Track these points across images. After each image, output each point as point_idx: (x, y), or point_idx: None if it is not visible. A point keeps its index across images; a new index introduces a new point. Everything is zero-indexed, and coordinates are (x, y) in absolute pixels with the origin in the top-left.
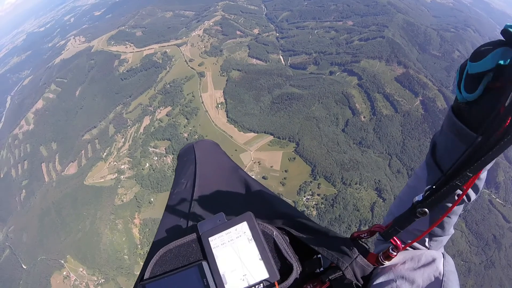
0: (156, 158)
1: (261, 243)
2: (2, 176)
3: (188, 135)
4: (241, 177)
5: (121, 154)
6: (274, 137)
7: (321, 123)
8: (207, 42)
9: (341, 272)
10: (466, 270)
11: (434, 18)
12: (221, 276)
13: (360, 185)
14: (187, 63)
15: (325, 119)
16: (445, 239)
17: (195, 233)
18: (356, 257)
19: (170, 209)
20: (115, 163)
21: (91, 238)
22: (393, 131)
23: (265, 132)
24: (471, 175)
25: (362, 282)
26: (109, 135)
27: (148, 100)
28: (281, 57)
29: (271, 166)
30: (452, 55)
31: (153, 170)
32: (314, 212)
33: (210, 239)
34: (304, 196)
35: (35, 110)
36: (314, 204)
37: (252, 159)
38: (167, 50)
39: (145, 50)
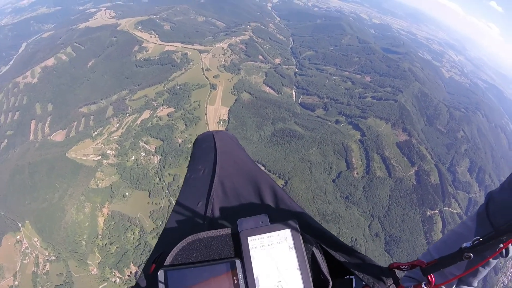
0: (144, 154)
1: (302, 253)
2: None
3: (182, 141)
4: (265, 178)
5: (111, 138)
6: (265, 168)
7: (314, 168)
8: (228, 57)
9: None
10: None
11: (448, 94)
12: (255, 278)
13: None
14: (203, 71)
15: (319, 165)
16: None
17: (229, 228)
18: (390, 285)
19: (186, 194)
20: (102, 145)
21: (55, 212)
22: (382, 194)
23: (257, 162)
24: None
25: None
26: (106, 116)
27: (154, 95)
28: (293, 93)
29: None
30: (456, 134)
31: (137, 165)
32: None
33: (249, 238)
34: None
35: (45, 66)
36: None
37: None
38: (188, 53)
39: (168, 45)
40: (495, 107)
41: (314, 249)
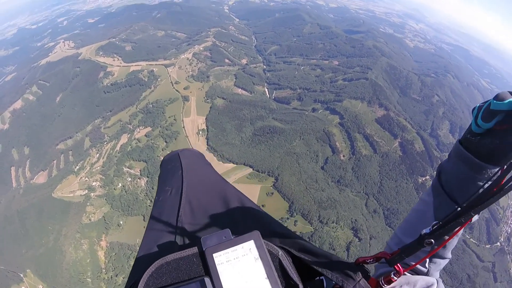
0: (130, 179)
1: (268, 262)
2: None
3: None
4: (232, 191)
5: (94, 170)
6: (253, 169)
7: (301, 159)
8: (195, 66)
9: None
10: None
11: (416, 63)
12: None
13: (336, 224)
14: (172, 85)
15: (305, 156)
16: (443, 262)
17: (195, 247)
18: (359, 280)
19: (155, 218)
20: (86, 178)
21: (54, 255)
22: (371, 171)
23: (244, 164)
24: (474, 214)
25: None
26: (84, 148)
27: (129, 118)
28: (266, 90)
29: None
30: (431, 99)
31: (125, 192)
32: None
33: (214, 255)
34: None
35: (13, 109)
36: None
37: None
38: (154, 69)
39: (132, 65)
40: (464, 66)
41: (280, 255)
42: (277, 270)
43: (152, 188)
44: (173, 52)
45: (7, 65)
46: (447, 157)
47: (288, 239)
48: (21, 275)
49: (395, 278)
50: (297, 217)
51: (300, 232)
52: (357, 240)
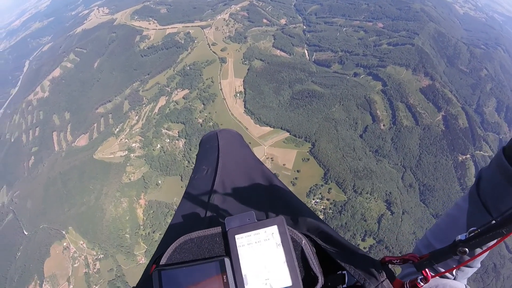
0: (168, 140)
1: (289, 250)
2: (13, 140)
3: (203, 121)
4: (265, 174)
5: (133, 132)
6: (290, 134)
7: (339, 125)
8: (232, 27)
9: None
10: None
11: (465, 32)
12: (243, 276)
13: (370, 195)
14: (209, 47)
15: (344, 122)
16: (471, 271)
17: (220, 227)
18: (383, 281)
19: (189, 194)
20: (126, 140)
21: (95, 213)
22: (411, 144)
23: (281, 128)
24: (509, 231)
25: None
26: (123, 111)
27: (166, 80)
28: (306, 51)
29: (284, 164)
30: (479, 73)
31: (164, 152)
32: (321, 216)
33: (236, 236)
34: (313, 199)
35: (52, 78)
36: (322, 208)
37: (265, 154)
38: (190, 31)
39: (168, 28)
40: None
41: (303, 244)
42: (298, 258)
43: (190, 150)
44: (209, 13)
45: (43, 36)
46: (488, 163)
47: (316, 227)
48: (63, 232)
49: (422, 284)
50: (331, 185)
51: (333, 200)
52: (389, 213)
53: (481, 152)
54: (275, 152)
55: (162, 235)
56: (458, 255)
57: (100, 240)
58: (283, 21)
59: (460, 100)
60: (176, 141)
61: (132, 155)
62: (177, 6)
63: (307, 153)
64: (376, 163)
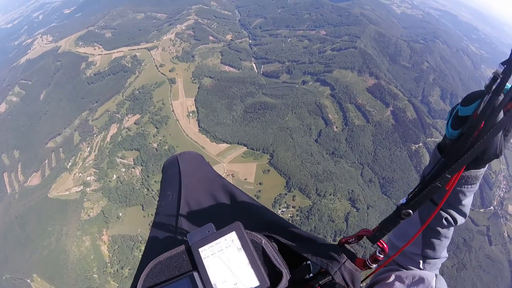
0: (124, 169)
1: (250, 252)
2: None
3: (157, 145)
4: (226, 187)
5: (86, 164)
6: (247, 148)
7: (294, 133)
8: (178, 46)
9: (330, 277)
10: (439, 274)
11: (404, 29)
12: (213, 285)
13: (334, 195)
14: (157, 68)
15: (298, 130)
16: (438, 262)
17: (183, 245)
18: (345, 261)
19: (157, 221)
20: (80, 174)
21: (58, 256)
22: (365, 141)
23: (238, 143)
24: (449, 176)
25: (353, 286)
26: (74, 144)
27: (116, 107)
28: (254, 65)
29: (245, 179)
30: (421, 66)
31: (121, 183)
32: None
33: (200, 249)
34: (279, 209)
35: None
36: (289, 216)
37: (226, 171)
38: (137, 54)
39: (114, 52)
40: (452, 32)
41: (263, 244)
42: (261, 258)
43: (148, 176)
44: (155, 34)
45: None
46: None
47: (278, 226)
48: (28, 280)
49: (381, 256)
50: (295, 192)
51: (299, 207)
52: (355, 210)
53: (432, 138)
54: (235, 167)
55: (132, 270)
56: (404, 218)
57: (68, 285)
58: (229, 37)
59: (405, 94)
60: (132, 169)
61: (88, 189)
62: (122, 29)
63: (267, 165)
64: (335, 165)
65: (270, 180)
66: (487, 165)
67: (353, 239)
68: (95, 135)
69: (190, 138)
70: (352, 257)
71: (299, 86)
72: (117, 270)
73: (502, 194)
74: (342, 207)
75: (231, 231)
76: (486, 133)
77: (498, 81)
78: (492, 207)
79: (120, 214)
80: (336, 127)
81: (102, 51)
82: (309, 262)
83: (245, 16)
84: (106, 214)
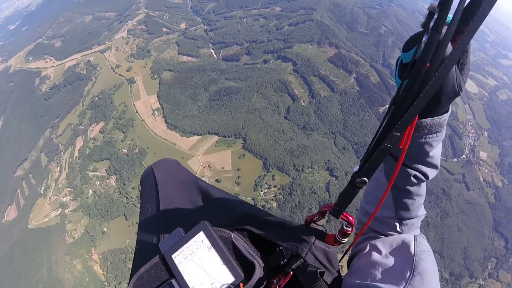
0: (98, 182)
1: (220, 248)
2: None
3: (127, 150)
4: (202, 188)
5: (59, 185)
6: (219, 136)
7: (263, 114)
8: (132, 44)
9: (302, 260)
10: (425, 225)
11: None
12: None
13: (312, 168)
14: (114, 70)
15: (266, 110)
16: (416, 221)
17: (158, 255)
18: (314, 241)
19: (140, 239)
20: (55, 196)
21: (54, 287)
22: (333, 111)
23: (209, 133)
24: (398, 133)
25: (330, 264)
26: (43, 166)
27: (78, 118)
28: (212, 51)
29: (223, 167)
30: (379, 30)
31: (98, 197)
32: (274, 204)
33: (173, 256)
34: (262, 191)
35: None
36: (273, 196)
37: (201, 163)
38: (90, 59)
39: (67, 62)
40: None
41: (233, 238)
42: (232, 252)
43: (124, 184)
44: (106, 35)
45: None
46: None
47: (251, 217)
48: None
49: (349, 229)
50: (273, 172)
51: (280, 185)
52: (334, 179)
53: None
54: (210, 158)
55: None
56: (360, 187)
57: None
58: (183, 26)
59: (367, 59)
60: (107, 180)
61: (66, 211)
62: (71, 36)
63: (241, 150)
64: (307, 138)
65: (248, 164)
66: (450, 108)
67: (317, 217)
68: (62, 153)
69: (159, 136)
70: (321, 235)
71: (261, 65)
72: (115, 287)
73: (472, 142)
74: (322, 178)
75: (199, 232)
76: (433, 73)
77: (436, 16)
78: (464, 156)
79: (105, 229)
80: (303, 101)
81: (54, 63)
82: (281, 248)
83: (196, 2)
84: (90, 232)
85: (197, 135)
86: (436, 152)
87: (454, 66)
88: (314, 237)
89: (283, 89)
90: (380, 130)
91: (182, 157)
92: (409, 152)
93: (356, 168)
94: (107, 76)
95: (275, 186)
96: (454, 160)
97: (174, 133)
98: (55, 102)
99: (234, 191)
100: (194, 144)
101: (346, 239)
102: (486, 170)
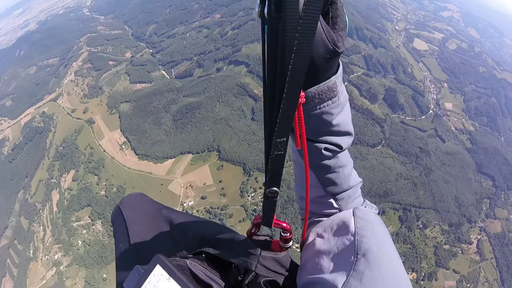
0: (85, 231)
1: (178, 277)
2: None
3: (105, 191)
4: (166, 216)
5: (47, 244)
6: (192, 154)
7: (230, 121)
8: (82, 84)
9: (254, 273)
10: (412, 185)
11: None
12: None
13: (290, 161)
14: (70, 116)
15: (232, 116)
16: (352, 192)
17: None
18: (260, 253)
19: (118, 277)
20: (46, 256)
21: None
22: None
23: (181, 153)
24: (283, 139)
25: (284, 269)
26: (26, 229)
27: (47, 173)
28: (164, 72)
29: (204, 183)
30: None
31: (89, 245)
32: None
33: None
34: (249, 196)
35: None
36: (261, 198)
37: (183, 185)
38: (44, 110)
39: (22, 118)
40: None
41: (189, 265)
42: (190, 279)
43: (111, 227)
44: (54, 82)
45: None
46: None
47: (208, 237)
48: None
49: (287, 234)
50: (255, 174)
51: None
52: None
53: (355, 74)
54: (190, 177)
55: None
56: (273, 198)
57: None
58: (128, 55)
59: None
60: (93, 227)
61: (61, 267)
62: (20, 91)
63: (218, 161)
64: None
65: (228, 174)
66: (339, 68)
67: (254, 229)
68: (40, 211)
69: (133, 169)
70: (266, 244)
71: (216, 75)
72: None
73: (435, 97)
74: None
75: (155, 265)
76: (289, 55)
77: None
78: (431, 111)
79: (105, 275)
80: None
81: (9, 123)
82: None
83: (136, 28)
84: (91, 283)
85: (170, 158)
86: (341, 119)
87: (319, 22)
88: (259, 249)
89: (243, 92)
90: (264, 139)
91: (162, 184)
92: (310, 126)
93: (264, 179)
94: (66, 123)
95: (260, 188)
96: (422, 117)
97: (146, 162)
98: (20, 162)
99: (222, 203)
100: (170, 168)
101: (289, 244)
102: (455, 119)
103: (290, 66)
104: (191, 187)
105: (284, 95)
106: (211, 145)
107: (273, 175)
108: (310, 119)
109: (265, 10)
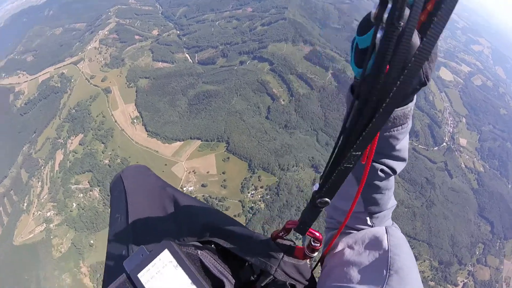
0: (82, 195)
1: (187, 267)
2: None
3: (109, 161)
4: (170, 195)
5: (42, 200)
6: (202, 141)
7: (244, 115)
8: (105, 53)
9: (272, 276)
10: (411, 215)
11: None
12: None
13: (297, 166)
14: (88, 81)
15: (247, 111)
16: (387, 213)
17: (124, 274)
18: (282, 257)
19: (109, 251)
20: (39, 212)
21: None
22: (313, 108)
23: (191, 138)
24: (358, 153)
25: (302, 277)
26: (24, 182)
27: (56, 132)
28: (187, 55)
29: (208, 172)
30: (351, 25)
31: (83, 209)
32: (262, 205)
33: (139, 275)
34: (249, 193)
35: None
36: (260, 197)
37: (186, 169)
38: (64, 71)
39: (40, 75)
40: None
41: (200, 255)
42: (200, 270)
43: (108, 195)
44: (78, 46)
45: None
46: None
47: (219, 228)
48: None
49: (317, 244)
50: (259, 173)
51: (267, 185)
52: (319, 176)
53: None
54: (195, 163)
55: None
56: (322, 208)
57: None
58: (155, 32)
59: (342, 54)
60: (90, 192)
61: (51, 225)
62: (43, 50)
63: (225, 153)
64: (290, 137)
65: (232, 167)
66: (414, 97)
67: (282, 233)
68: (42, 168)
69: (140, 145)
70: (289, 250)
71: (238, 67)
72: None
73: (451, 130)
74: (307, 175)
75: (163, 250)
76: (393, 83)
77: (390, 4)
78: (444, 143)
79: (92, 242)
80: (283, 100)
81: (27, 78)
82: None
83: (167, 7)
84: (77, 246)
85: (179, 141)
86: (402, 145)
87: None
88: (282, 253)
89: (262, 89)
90: (337, 148)
91: (166, 164)
92: (376, 147)
93: (316, 186)
94: (82, 88)
95: (261, 187)
96: (435, 148)
97: (155, 140)
98: (31, 117)
99: (221, 194)
100: (176, 150)
101: (315, 254)
102: (467, 156)
103: (398, 82)
104: (194, 172)
105: (381, 109)
106: (221, 135)
107: (332, 186)
108: (378, 140)
109: (385, 15)
